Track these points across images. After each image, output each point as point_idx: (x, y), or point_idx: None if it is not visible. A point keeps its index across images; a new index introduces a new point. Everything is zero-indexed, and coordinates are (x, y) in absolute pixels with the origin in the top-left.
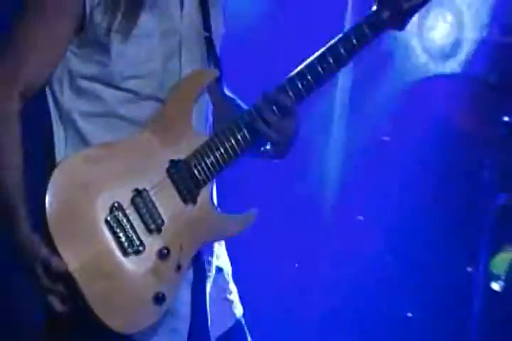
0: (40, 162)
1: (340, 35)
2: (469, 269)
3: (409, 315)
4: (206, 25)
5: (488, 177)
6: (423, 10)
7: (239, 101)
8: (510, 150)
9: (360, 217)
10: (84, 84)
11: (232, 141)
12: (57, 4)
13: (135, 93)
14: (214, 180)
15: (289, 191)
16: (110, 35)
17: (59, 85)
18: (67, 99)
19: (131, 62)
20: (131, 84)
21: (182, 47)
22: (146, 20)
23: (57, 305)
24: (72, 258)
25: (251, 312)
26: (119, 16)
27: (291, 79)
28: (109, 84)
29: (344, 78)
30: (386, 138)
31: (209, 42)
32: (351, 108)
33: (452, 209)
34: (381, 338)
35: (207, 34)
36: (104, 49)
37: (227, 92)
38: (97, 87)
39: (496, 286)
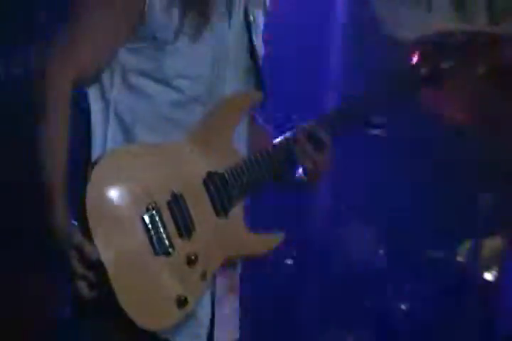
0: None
1: None
2: (460, 259)
3: (402, 307)
4: (250, 43)
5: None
6: None
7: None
8: None
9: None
10: (135, 79)
11: (268, 164)
12: (123, 2)
13: (183, 93)
14: (246, 199)
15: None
16: (179, 36)
17: (109, 79)
18: (117, 93)
19: (184, 60)
20: (180, 83)
21: (229, 56)
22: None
23: (84, 290)
24: (104, 249)
25: None
26: (190, 17)
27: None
28: (159, 80)
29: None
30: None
31: (254, 60)
32: None
33: (444, 199)
34: (374, 329)
35: (252, 52)
36: (161, 45)
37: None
38: (148, 83)
39: (488, 276)
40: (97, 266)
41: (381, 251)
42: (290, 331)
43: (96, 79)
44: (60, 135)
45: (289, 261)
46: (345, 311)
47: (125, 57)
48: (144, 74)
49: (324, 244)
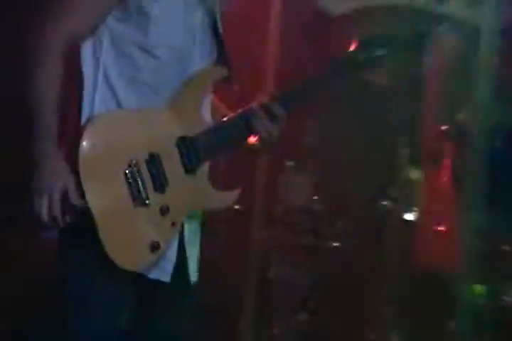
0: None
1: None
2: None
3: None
4: (214, 23)
5: None
6: None
7: None
8: None
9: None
10: (123, 46)
11: (234, 131)
12: None
13: (160, 60)
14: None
15: None
16: (153, 5)
17: (99, 44)
18: (106, 57)
19: (164, 30)
20: (159, 51)
21: (197, 32)
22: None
23: (44, 216)
24: (93, 198)
25: None
26: None
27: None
28: (143, 47)
29: None
30: None
31: (220, 42)
32: None
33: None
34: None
35: (219, 36)
36: (145, 16)
37: None
38: (133, 50)
39: (409, 216)
40: (78, 211)
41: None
42: None
43: (87, 37)
44: (54, 79)
45: None
46: None
47: (114, 25)
48: (130, 41)
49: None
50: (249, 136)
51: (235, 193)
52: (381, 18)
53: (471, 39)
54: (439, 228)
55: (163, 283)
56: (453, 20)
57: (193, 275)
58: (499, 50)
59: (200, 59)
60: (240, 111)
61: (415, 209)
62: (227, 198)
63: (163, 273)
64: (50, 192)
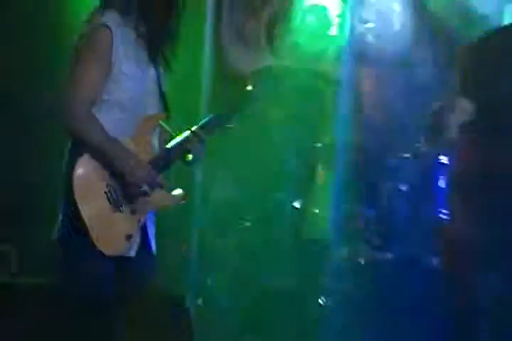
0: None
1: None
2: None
3: (247, 224)
4: (159, 81)
5: None
6: None
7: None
8: None
9: None
10: (105, 101)
11: (173, 154)
12: (101, 58)
13: (125, 109)
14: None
15: None
16: (122, 76)
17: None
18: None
19: (132, 86)
20: (129, 98)
21: (149, 87)
22: (138, 71)
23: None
24: (84, 209)
25: None
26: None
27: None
28: (116, 102)
29: None
30: None
31: (161, 93)
32: None
33: None
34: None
35: (161, 88)
36: (121, 74)
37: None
38: (114, 115)
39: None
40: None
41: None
42: None
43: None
44: (98, 130)
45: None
46: None
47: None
48: (110, 99)
49: None
50: (185, 155)
51: (181, 195)
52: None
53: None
54: None
55: (130, 257)
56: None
57: (153, 248)
58: None
59: (152, 106)
60: (177, 139)
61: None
62: (176, 199)
63: (131, 251)
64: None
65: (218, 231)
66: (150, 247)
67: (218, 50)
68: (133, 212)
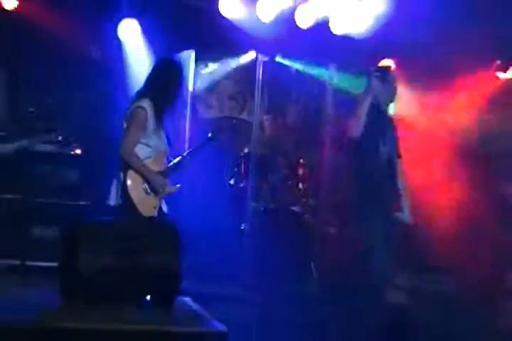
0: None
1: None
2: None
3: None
4: (168, 141)
5: None
6: None
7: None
8: None
9: None
10: (143, 143)
11: (173, 170)
12: (140, 124)
13: (151, 147)
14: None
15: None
16: (150, 133)
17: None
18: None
19: (155, 139)
20: (151, 144)
21: (161, 137)
22: (157, 129)
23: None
24: (133, 194)
25: None
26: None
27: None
28: (147, 144)
29: None
30: None
31: (167, 136)
32: None
33: None
34: None
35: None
36: (148, 137)
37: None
38: (145, 150)
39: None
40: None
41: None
42: None
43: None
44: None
45: None
46: None
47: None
48: (144, 145)
49: None
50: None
51: (174, 187)
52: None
53: None
54: None
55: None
56: None
57: (165, 210)
58: None
59: (163, 143)
60: (175, 160)
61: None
62: (174, 189)
63: (155, 213)
64: (163, 187)
65: None
66: (162, 210)
67: None
68: (155, 195)
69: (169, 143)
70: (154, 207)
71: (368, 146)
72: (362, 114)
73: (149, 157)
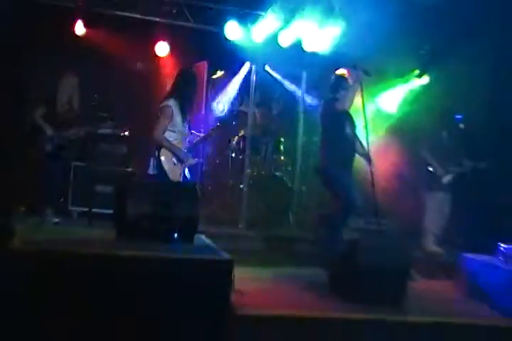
0: None
1: None
2: None
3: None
4: (189, 128)
5: None
6: None
7: None
8: None
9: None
10: (171, 130)
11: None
12: (167, 116)
13: (176, 132)
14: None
15: None
16: (176, 122)
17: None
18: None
19: (178, 127)
20: (176, 130)
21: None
22: (181, 120)
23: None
24: (166, 166)
25: None
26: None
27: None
28: (174, 130)
29: None
30: None
31: (189, 125)
32: None
33: None
34: None
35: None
36: (174, 125)
37: None
38: (172, 134)
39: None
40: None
41: None
42: None
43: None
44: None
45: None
46: None
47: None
48: (172, 127)
49: None
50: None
51: (196, 160)
52: None
53: None
54: None
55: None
56: None
57: (188, 176)
58: None
59: (185, 130)
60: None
61: None
62: (194, 161)
63: (180, 178)
64: (186, 158)
65: None
66: (185, 175)
67: None
68: (181, 166)
69: (190, 129)
70: (180, 175)
71: (338, 128)
72: (351, 95)
73: (176, 139)
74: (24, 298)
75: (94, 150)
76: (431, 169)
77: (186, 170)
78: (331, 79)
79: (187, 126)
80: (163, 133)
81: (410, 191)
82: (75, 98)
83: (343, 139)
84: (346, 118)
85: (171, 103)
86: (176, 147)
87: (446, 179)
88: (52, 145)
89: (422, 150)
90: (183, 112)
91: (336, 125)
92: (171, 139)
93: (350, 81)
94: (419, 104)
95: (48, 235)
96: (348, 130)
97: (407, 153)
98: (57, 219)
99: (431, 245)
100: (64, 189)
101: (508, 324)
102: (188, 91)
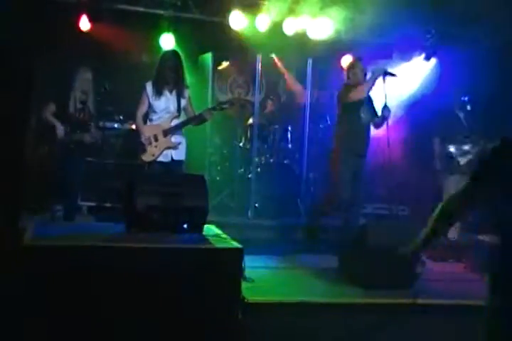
0: None
1: None
2: None
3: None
4: (178, 107)
5: None
6: None
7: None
8: None
9: None
10: (149, 112)
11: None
12: (142, 99)
13: (156, 114)
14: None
15: None
16: (156, 104)
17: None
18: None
19: (156, 109)
20: (161, 113)
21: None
22: (160, 102)
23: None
24: None
25: None
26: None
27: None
28: (154, 112)
29: None
30: None
31: (179, 105)
32: None
33: None
34: None
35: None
36: (155, 108)
37: None
38: (153, 114)
39: None
40: None
41: None
42: None
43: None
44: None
45: None
46: None
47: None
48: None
49: None
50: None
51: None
52: None
53: None
54: None
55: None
56: None
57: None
58: None
59: (172, 111)
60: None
61: None
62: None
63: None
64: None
65: None
66: (173, 158)
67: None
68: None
69: (179, 110)
70: (154, 155)
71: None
72: (371, 84)
73: (160, 117)
74: (38, 293)
75: (103, 145)
76: (451, 150)
77: (173, 152)
78: (347, 65)
79: (177, 107)
80: (142, 115)
81: (426, 173)
82: (90, 95)
83: (354, 127)
84: (360, 106)
85: (148, 85)
86: (141, 126)
87: (463, 160)
88: (64, 143)
89: (435, 137)
90: (160, 91)
91: (349, 113)
92: (154, 118)
93: (358, 70)
94: (429, 87)
95: (58, 230)
96: (362, 116)
97: (421, 136)
98: (66, 215)
99: None
100: (75, 184)
101: None
102: (162, 71)
